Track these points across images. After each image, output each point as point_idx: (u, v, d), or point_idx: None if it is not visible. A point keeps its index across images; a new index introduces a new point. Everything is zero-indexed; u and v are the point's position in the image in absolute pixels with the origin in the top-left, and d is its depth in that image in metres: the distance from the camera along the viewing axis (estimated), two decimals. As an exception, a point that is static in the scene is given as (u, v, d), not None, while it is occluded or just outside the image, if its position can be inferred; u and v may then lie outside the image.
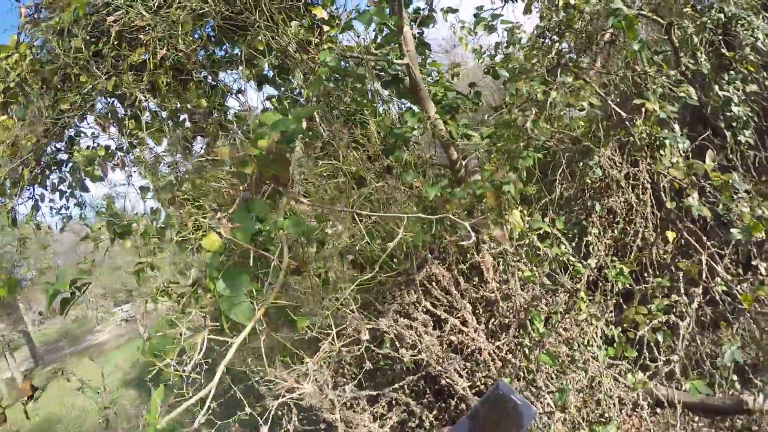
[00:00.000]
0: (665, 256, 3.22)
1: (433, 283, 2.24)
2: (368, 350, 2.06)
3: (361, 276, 1.81)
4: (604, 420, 3.05)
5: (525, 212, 2.87)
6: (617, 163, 3.69)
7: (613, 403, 3.02)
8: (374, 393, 2.26)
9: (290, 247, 2.11)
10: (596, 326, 3.03)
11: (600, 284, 3.35)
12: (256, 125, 1.17)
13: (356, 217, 1.85)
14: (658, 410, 3.27)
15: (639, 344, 2.91)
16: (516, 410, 0.84)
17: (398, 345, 2.09)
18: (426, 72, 3.29)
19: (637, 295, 2.67)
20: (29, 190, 3.40)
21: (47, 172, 3.37)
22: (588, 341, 2.85)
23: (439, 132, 2.35)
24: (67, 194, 3.50)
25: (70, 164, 3.31)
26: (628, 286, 2.80)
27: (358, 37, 2.76)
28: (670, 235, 3.20)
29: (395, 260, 2.32)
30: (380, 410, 2.36)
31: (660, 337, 2.56)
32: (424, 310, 2.12)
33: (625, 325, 2.60)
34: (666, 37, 3.53)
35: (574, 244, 3.31)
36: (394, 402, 2.39)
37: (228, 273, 1.05)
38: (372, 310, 2.15)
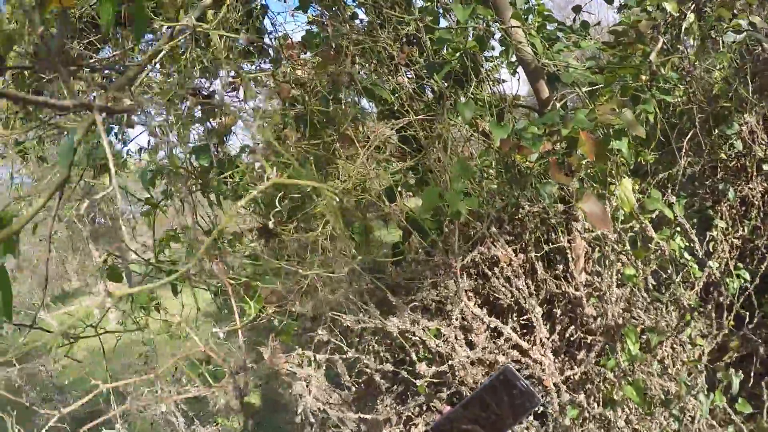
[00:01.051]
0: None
1: (496, 269, 1.52)
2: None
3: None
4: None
5: (635, 186, 2.03)
6: (761, 140, 2.72)
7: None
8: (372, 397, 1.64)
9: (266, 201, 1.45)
10: (702, 351, 2.23)
11: (713, 296, 2.49)
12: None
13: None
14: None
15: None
16: (520, 396, 0.79)
17: (416, 354, 1.42)
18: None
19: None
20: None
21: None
22: (692, 378, 2.06)
23: (518, 45, 1.53)
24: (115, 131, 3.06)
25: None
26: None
27: None
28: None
29: (444, 231, 1.61)
30: (408, 413, 1.75)
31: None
32: (462, 313, 1.42)
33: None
34: None
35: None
36: (425, 406, 1.77)
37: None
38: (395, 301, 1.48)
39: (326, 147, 1.38)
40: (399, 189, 1.64)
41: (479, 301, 1.54)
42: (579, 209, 1.06)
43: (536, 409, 1.84)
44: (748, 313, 2.35)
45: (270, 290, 1.39)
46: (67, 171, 0.70)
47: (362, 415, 1.72)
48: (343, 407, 1.78)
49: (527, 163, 1.38)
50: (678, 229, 2.22)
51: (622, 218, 1.86)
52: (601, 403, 1.80)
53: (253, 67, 1.82)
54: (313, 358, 1.49)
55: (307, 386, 1.61)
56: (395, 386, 1.78)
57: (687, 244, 2.24)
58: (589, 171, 1.90)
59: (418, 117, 1.40)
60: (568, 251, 1.61)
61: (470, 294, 1.52)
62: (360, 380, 1.75)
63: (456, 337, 1.38)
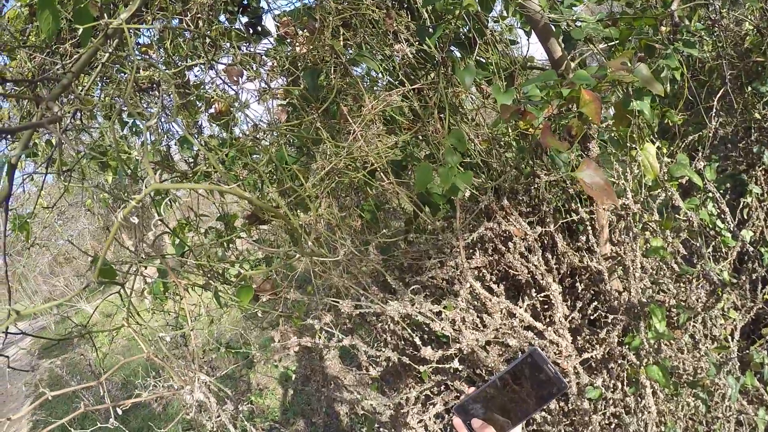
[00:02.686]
0: None
1: (510, 244, 1.42)
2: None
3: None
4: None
5: (663, 150, 1.88)
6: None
7: (728, 426, 2.17)
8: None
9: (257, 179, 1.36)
10: (735, 325, 2.10)
11: (747, 267, 2.34)
12: None
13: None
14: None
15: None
16: (546, 381, 0.76)
17: (421, 337, 1.34)
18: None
19: None
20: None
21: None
22: (722, 357, 1.94)
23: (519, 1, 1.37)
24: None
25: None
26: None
27: None
28: None
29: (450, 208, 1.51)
30: (427, 392, 1.70)
31: None
32: (472, 293, 1.33)
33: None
34: None
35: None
36: (443, 385, 1.71)
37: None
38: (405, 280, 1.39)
39: (316, 125, 1.29)
40: (405, 163, 1.54)
41: (494, 278, 1.45)
42: (576, 179, 0.93)
43: (562, 394, 1.77)
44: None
45: (263, 278, 1.33)
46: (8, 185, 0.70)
47: (379, 395, 1.67)
48: (359, 388, 1.73)
49: (530, 129, 1.26)
50: (709, 195, 2.07)
51: (649, 185, 1.73)
52: (624, 384, 1.70)
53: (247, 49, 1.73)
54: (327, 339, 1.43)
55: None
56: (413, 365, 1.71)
57: (719, 211, 2.09)
58: (612, 135, 1.76)
59: (413, 87, 1.29)
60: (588, 222, 1.50)
61: (485, 270, 1.43)
62: (377, 360, 1.70)
63: (464, 320, 1.30)
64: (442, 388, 1.63)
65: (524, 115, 1.12)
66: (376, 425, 2.09)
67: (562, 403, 1.56)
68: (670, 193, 1.64)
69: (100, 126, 2.06)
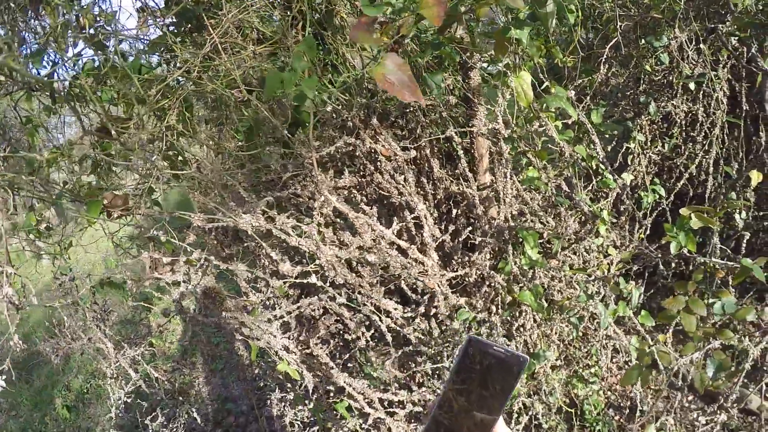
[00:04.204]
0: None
1: (379, 164, 1.42)
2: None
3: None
4: (586, 377, 2.42)
5: (551, 85, 1.94)
6: (691, 57, 2.66)
7: (604, 352, 2.39)
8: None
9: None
10: (611, 261, 2.26)
11: (627, 210, 2.50)
12: None
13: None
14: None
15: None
16: (501, 363, 0.69)
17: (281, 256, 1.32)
18: None
19: (696, 274, 1.54)
20: None
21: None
22: (594, 288, 2.07)
23: None
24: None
25: None
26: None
27: None
28: (755, 175, 2.14)
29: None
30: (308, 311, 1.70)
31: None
32: (333, 211, 1.32)
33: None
34: None
35: (609, 149, 2.42)
36: (322, 309, 1.71)
37: None
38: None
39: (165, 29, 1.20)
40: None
41: (366, 200, 1.45)
42: (374, 74, 0.89)
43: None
44: (648, 227, 2.38)
45: (113, 194, 1.26)
46: None
47: (255, 321, 1.66)
48: (237, 313, 1.71)
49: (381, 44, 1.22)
50: (591, 138, 2.17)
51: (530, 116, 1.77)
52: (498, 308, 1.79)
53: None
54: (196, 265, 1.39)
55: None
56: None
57: (597, 153, 2.20)
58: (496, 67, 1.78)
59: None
60: (462, 150, 1.52)
61: (355, 191, 1.42)
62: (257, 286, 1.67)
63: (322, 234, 1.29)
64: (322, 311, 1.64)
65: (361, 21, 1.06)
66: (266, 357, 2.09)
67: (434, 325, 1.61)
68: (543, 123, 1.69)
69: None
